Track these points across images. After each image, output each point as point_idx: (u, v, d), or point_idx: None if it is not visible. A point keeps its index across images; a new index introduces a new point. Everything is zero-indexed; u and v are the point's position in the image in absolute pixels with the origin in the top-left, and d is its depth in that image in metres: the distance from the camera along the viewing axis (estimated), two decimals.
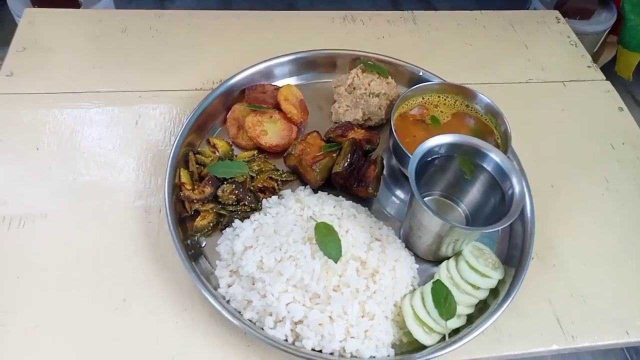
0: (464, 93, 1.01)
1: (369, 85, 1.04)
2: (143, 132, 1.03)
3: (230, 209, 0.88)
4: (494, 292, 0.85)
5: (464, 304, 0.82)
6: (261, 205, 0.90)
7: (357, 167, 0.94)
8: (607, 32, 1.93)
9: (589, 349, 0.85)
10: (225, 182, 0.89)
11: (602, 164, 1.09)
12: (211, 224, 0.88)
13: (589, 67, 1.29)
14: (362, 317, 0.78)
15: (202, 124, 1.01)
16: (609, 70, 1.88)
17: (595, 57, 2.01)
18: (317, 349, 0.76)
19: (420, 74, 1.12)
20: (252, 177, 0.93)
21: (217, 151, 0.97)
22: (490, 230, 0.78)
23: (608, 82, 1.26)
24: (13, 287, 0.81)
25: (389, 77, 1.08)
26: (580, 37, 1.40)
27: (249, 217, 0.88)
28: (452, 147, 0.85)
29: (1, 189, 0.91)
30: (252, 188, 0.91)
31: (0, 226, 0.87)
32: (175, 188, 0.90)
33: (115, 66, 1.13)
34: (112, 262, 0.85)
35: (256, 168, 0.94)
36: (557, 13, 1.44)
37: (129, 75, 1.12)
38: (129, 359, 0.76)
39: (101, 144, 1.00)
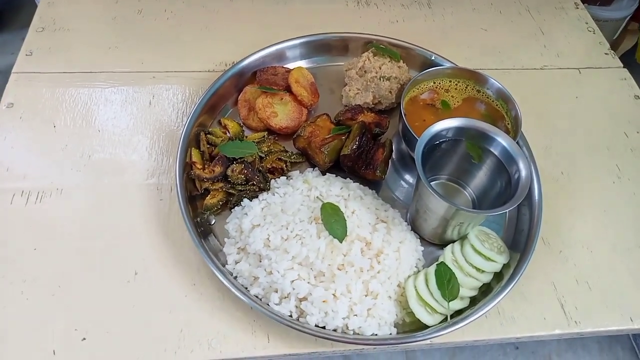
0: (476, 78, 1.01)
1: (380, 68, 1.04)
2: (156, 111, 1.05)
3: (240, 188, 0.90)
4: (498, 276, 0.86)
5: (468, 287, 0.83)
6: (269, 185, 0.92)
7: (366, 150, 0.94)
8: (628, 18, 1.89)
9: (592, 334, 0.85)
10: (234, 162, 0.91)
11: (614, 152, 1.08)
12: (220, 203, 0.90)
13: (606, 54, 1.27)
14: (366, 295, 0.79)
15: (213, 105, 1.03)
16: (630, 59, 1.84)
17: (615, 45, 1.96)
18: (320, 325, 0.78)
19: (432, 58, 1.12)
20: (261, 158, 0.94)
21: (228, 132, 0.98)
22: (495, 213, 0.78)
23: (625, 69, 1.24)
24: (31, 258, 0.84)
25: (401, 60, 1.08)
26: (600, 23, 1.37)
27: (257, 197, 0.90)
28: (459, 130, 0.85)
29: (20, 164, 0.95)
30: (261, 168, 0.93)
31: (19, 200, 0.90)
32: (187, 167, 0.92)
33: (130, 47, 1.16)
34: (125, 237, 0.88)
35: (266, 149, 0.96)
36: None
37: (143, 56, 1.14)
38: (139, 329, 0.79)
39: (116, 122, 1.02)
